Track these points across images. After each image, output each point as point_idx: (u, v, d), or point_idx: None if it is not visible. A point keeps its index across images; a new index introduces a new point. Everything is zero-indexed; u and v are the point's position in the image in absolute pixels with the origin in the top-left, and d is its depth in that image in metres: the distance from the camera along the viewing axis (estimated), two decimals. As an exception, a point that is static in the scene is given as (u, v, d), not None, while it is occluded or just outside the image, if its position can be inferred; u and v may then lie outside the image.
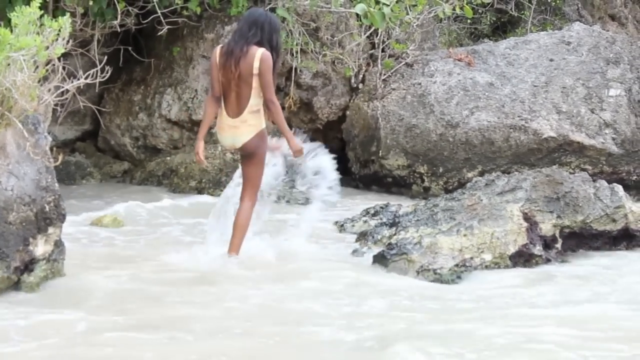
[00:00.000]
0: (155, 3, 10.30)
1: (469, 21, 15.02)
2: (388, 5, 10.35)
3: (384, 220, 8.08)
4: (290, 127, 11.42)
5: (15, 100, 5.99)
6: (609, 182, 8.25)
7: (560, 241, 7.68)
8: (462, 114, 11.04)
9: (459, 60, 11.52)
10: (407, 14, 11.35)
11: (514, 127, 10.97)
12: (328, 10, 11.14)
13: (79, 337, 5.32)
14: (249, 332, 5.55)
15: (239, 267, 7.17)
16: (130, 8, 10.35)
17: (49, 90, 6.43)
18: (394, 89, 11.33)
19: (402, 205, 8.69)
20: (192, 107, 10.98)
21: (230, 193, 7.81)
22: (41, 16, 6.19)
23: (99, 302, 6.08)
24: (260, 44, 7.23)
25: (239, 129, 7.28)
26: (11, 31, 6.01)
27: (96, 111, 11.27)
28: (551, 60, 11.48)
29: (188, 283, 6.68)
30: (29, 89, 6.08)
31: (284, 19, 10.54)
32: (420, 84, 11.30)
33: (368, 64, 11.72)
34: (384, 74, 11.45)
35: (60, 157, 6.35)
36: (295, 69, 11.13)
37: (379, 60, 11.52)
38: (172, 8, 10.49)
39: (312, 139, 11.31)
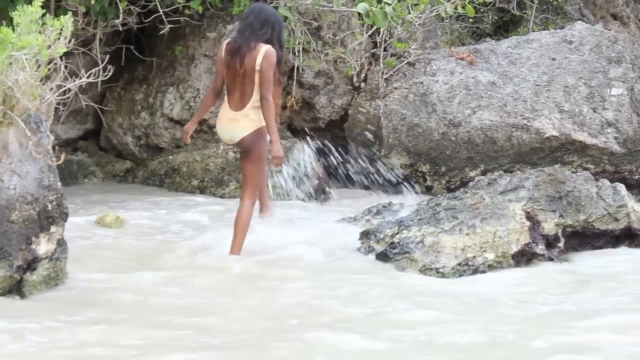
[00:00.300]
0: (157, 2, 10.30)
1: (471, 20, 15.02)
2: (390, 4, 10.36)
3: (387, 219, 8.07)
4: (293, 126, 11.50)
5: (17, 99, 6.00)
6: (612, 181, 8.25)
7: (562, 240, 7.68)
8: (464, 113, 11.03)
9: (461, 59, 11.51)
10: (409, 13, 11.34)
11: (516, 126, 10.96)
12: (330, 9, 11.13)
13: (90, 338, 5.32)
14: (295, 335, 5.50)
15: (240, 266, 7.19)
16: (132, 7, 10.36)
17: (51, 89, 6.43)
18: (396, 88, 11.32)
19: (405, 204, 8.68)
20: (194, 106, 10.96)
21: None
22: (43, 15, 6.19)
23: (104, 303, 6.09)
24: (269, 42, 7.24)
25: (238, 122, 7.29)
26: (13, 30, 6.01)
27: (98, 110, 11.28)
28: (553, 59, 11.47)
29: (197, 284, 6.67)
30: (31, 87, 6.08)
31: (285, 18, 10.53)
32: (422, 83, 11.29)
33: (370, 63, 11.71)
34: (386, 73, 11.44)
35: (63, 156, 6.34)
36: (297, 68, 11.12)
37: (381, 60, 11.51)
38: (174, 7, 10.48)
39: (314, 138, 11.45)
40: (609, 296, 6.58)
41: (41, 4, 6.18)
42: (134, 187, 10.89)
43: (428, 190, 10.93)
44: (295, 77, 11.18)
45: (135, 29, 10.79)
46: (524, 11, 15.54)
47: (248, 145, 7.35)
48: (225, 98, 7.40)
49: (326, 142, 11.12)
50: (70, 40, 6.38)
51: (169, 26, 10.43)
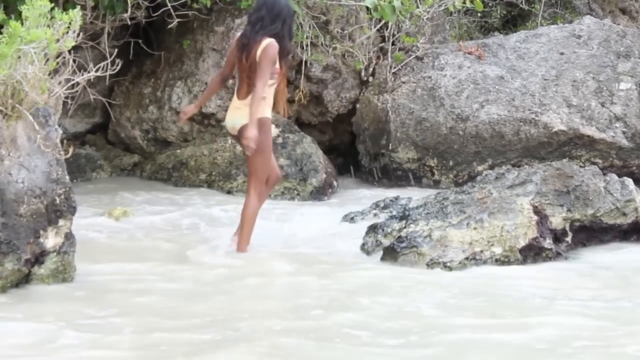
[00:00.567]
0: (165, -4, 10.32)
1: (479, 14, 14.99)
2: (398, -1, 10.36)
3: (394, 213, 8.07)
4: (301, 120, 11.50)
5: (26, 93, 6.01)
6: (619, 175, 8.24)
7: (570, 235, 7.67)
8: (472, 107, 11.02)
9: (469, 53, 11.50)
10: (418, 7, 11.33)
11: (524, 120, 10.95)
12: (338, 3, 11.13)
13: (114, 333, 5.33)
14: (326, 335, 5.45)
15: (246, 262, 7.19)
16: (140, 1, 10.34)
17: (60, 82, 6.44)
18: (404, 82, 11.32)
19: (412, 198, 8.69)
20: (202, 100, 10.96)
21: None
22: (52, 9, 6.20)
23: (112, 296, 6.10)
24: (277, 36, 7.25)
25: (240, 111, 7.30)
26: (22, 24, 6.02)
27: (106, 104, 11.28)
28: (561, 53, 11.45)
29: (206, 278, 6.67)
30: (40, 81, 6.09)
31: (294, 12, 10.51)
32: (430, 77, 11.28)
33: (378, 57, 11.71)
34: (394, 67, 11.44)
35: (71, 150, 6.36)
36: (306, 62, 11.12)
37: (389, 54, 11.50)
38: (183, 1, 10.48)
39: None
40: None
41: (50, -3, 6.19)
42: (142, 180, 10.90)
43: (436, 184, 10.92)
44: (303, 71, 11.18)
45: (143, 22, 10.79)
46: (533, 5, 15.51)
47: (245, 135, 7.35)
48: (236, 88, 7.45)
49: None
50: (78, 34, 6.39)
51: (177, 20, 10.42)
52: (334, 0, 11.07)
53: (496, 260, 7.22)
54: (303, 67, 11.14)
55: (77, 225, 6.45)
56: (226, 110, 7.85)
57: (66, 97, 6.78)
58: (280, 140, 10.39)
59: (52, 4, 6.20)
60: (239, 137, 7.39)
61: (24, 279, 6.02)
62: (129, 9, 10.09)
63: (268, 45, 7.20)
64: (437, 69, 11.36)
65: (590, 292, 6.51)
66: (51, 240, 6.11)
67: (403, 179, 11.10)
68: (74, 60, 6.55)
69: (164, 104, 11.29)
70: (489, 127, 10.96)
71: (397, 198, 8.65)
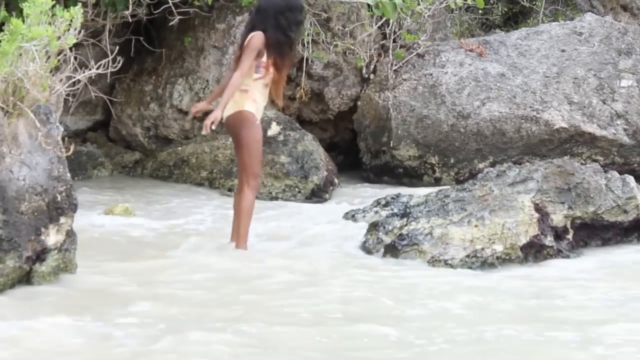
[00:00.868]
0: (166, -7, 10.31)
1: (480, 11, 14.97)
2: (399, -4, 10.35)
3: (395, 210, 8.06)
4: (302, 117, 11.49)
5: (27, 91, 6.00)
6: (621, 173, 8.24)
7: (571, 232, 7.67)
8: (473, 104, 11.02)
9: (471, 50, 11.49)
10: (419, 4, 11.33)
11: (525, 117, 10.95)
12: (339, 0, 11.12)
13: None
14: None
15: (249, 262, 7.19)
16: (141, -2, 10.36)
17: (61, 80, 6.43)
18: (405, 80, 11.31)
19: (413, 195, 8.69)
20: (204, 97, 10.93)
21: None
22: (53, 6, 6.19)
23: (113, 294, 6.11)
24: (265, 29, 7.25)
25: (230, 104, 7.32)
26: (23, 21, 6.02)
27: (108, 101, 11.28)
28: (563, 50, 11.45)
29: (205, 278, 6.67)
30: (41, 79, 6.08)
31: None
32: (431, 74, 11.28)
33: (379, 55, 11.70)
34: (395, 65, 11.43)
35: (72, 147, 6.35)
36: (307, 59, 11.11)
37: (390, 51, 11.50)
38: (184, -2, 10.49)
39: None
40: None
41: (51, -5, 6.18)
42: (143, 178, 10.90)
43: (437, 181, 10.91)
44: (304, 69, 11.17)
45: (144, 20, 10.78)
46: (534, 2, 15.49)
47: (232, 128, 7.34)
48: None
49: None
50: (79, 32, 6.38)
51: (178, 17, 10.41)
52: (335, -2, 11.07)
53: (497, 257, 7.22)
54: (304, 65, 11.14)
55: (78, 223, 6.45)
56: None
57: (67, 95, 6.77)
58: (281, 137, 10.39)
59: (53, 2, 6.20)
60: (226, 127, 7.44)
61: (25, 277, 6.02)
62: (130, 6, 10.08)
63: (251, 36, 7.24)
64: (438, 66, 11.36)
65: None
66: (52, 237, 6.10)
67: (404, 177, 11.09)
68: (75, 58, 6.54)
69: (165, 102, 11.29)
70: (490, 125, 10.96)
71: (398, 195, 8.65)
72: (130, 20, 10.38)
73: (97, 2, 10.01)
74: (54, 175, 6.14)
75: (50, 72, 6.27)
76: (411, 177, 11.08)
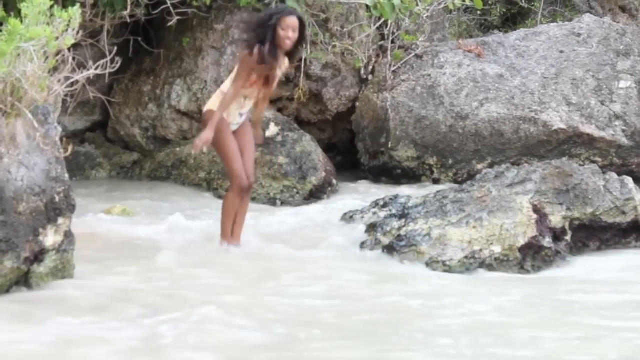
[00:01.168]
0: (165, -6, 10.31)
1: (478, 12, 15.01)
2: (398, -3, 10.35)
3: (393, 211, 8.06)
4: (300, 118, 11.49)
5: (25, 91, 6.00)
6: (619, 174, 8.23)
7: (569, 233, 7.67)
8: (471, 105, 11.02)
9: (469, 51, 11.50)
10: (417, 5, 11.32)
11: (523, 118, 10.95)
12: (338, 1, 11.12)
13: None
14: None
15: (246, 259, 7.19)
16: (139, -1, 10.36)
17: (59, 80, 6.43)
18: (403, 81, 11.31)
19: (412, 196, 8.68)
20: (202, 98, 10.95)
21: None
22: (51, 7, 6.19)
23: (110, 295, 6.10)
24: (249, 46, 7.26)
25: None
26: (21, 22, 6.01)
27: (106, 102, 11.28)
28: (561, 52, 11.45)
29: (204, 277, 6.67)
30: (39, 79, 6.08)
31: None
32: (429, 75, 11.28)
33: (378, 56, 11.70)
34: (394, 66, 11.43)
35: (70, 148, 6.36)
36: (305, 60, 11.11)
37: (389, 52, 11.50)
38: (182, -1, 10.49)
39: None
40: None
41: (49, -5, 6.18)
42: (141, 178, 10.89)
43: (435, 182, 10.91)
44: (302, 70, 11.17)
45: (143, 20, 10.78)
46: (532, 3, 15.52)
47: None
48: None
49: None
50: (78, 32, 6.38)
51: (176, 18, 10.42)
52: (334, -1, 11.07)
53: (495, 259, 7.22)
54: (302, 65, 11.14)
55: (76, 224, 6.44)
56: None
57: (65, 95, 6.77)
58: (279, 138, 10.38)
59: (52, 2, 6.20)
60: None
61: (23, 278, 6.02)
62: (129, 7, 10.08)
63: (240, 57, 7.39)
64: (436, 67, 11.36)
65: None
66: (50, 238, 6.10)
67: (402, 177, 11.09)
68: (74, 58, 6.54)
69: (164, 102, 11.29)
70: (488, 126, 10.96)
71: (396, 196, 8.65)
72: (129, 20, 10.38)
73: (95, 2, 10.01)
74: (52, 175, 6.14)
75: (49, 72, 6.26)
76: (409, 178, 11.07)
